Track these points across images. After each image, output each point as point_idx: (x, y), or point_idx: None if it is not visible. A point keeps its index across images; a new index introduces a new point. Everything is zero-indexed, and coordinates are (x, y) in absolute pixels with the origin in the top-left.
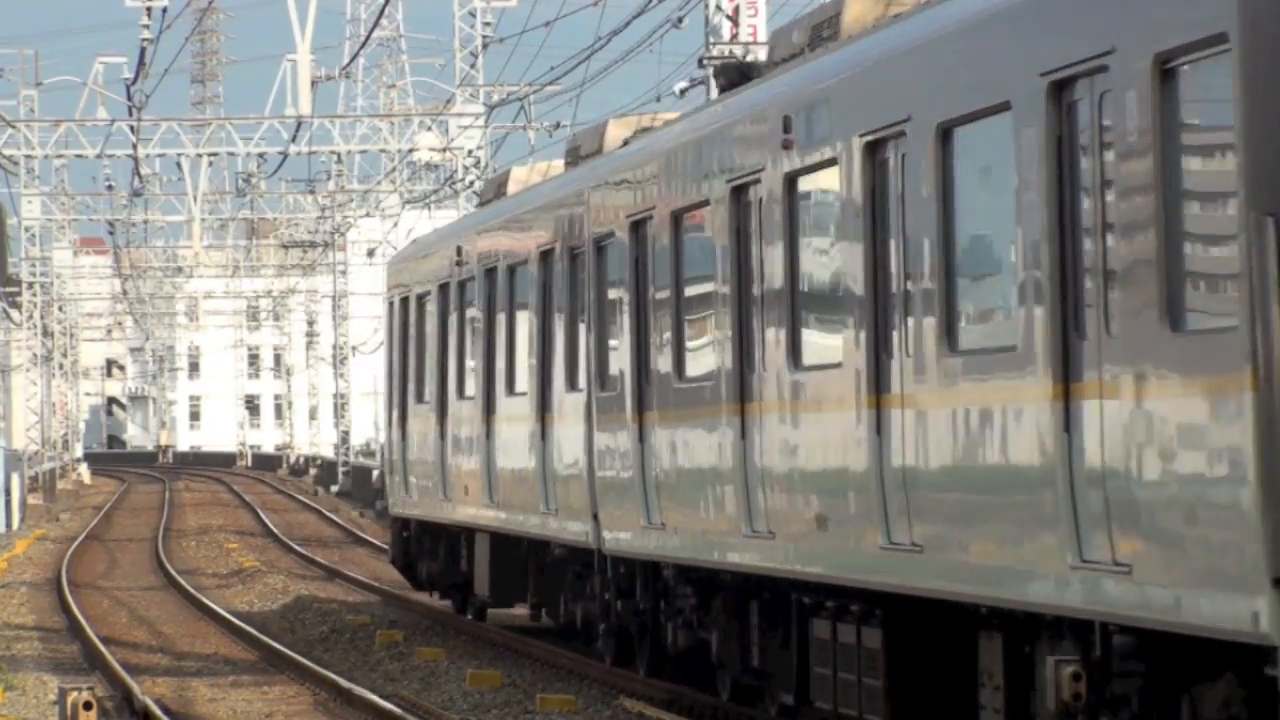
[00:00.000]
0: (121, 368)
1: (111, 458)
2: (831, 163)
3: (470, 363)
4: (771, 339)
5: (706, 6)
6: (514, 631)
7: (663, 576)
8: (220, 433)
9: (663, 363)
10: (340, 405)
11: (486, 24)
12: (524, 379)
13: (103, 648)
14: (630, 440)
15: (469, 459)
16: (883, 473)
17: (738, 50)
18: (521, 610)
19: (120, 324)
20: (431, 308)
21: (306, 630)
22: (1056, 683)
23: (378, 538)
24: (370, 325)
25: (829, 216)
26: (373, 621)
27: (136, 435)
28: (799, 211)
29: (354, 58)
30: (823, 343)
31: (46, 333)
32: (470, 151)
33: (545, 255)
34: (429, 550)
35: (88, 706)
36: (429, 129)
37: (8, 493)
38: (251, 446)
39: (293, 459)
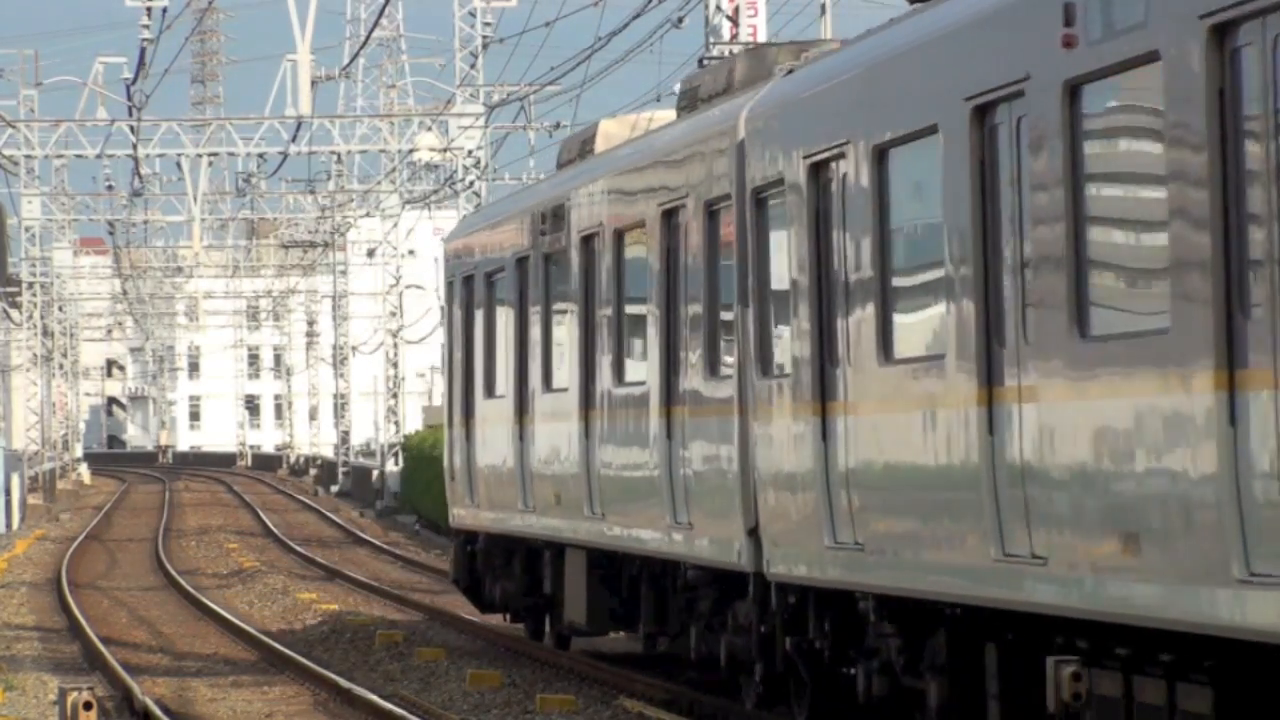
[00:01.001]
0: (121, 368)
1: (111, 458)
2: None
3: (561, 349)
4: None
5: (706, 6)
6: (608, 662)
7: (856, 609)
8: (220, 433)
9: (861, 338)
10: (340, 405)
11: (486, 24)
12: (640, 366)
13: (103, 648)
14: (809, 437)
15: (559, 462)
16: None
17: (738, 50)
18: (618, 638)
19: (120, 324)
20: (506, 286)
21: (306, 630)
22: (1056, 683)
23: (378, 537)
24: (370, 325)
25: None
26: (373, 622)
27: (136, 435)
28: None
29: (354, 58)
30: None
31: (46, 333)
32: (470, 151)
33: (670, 215)
34: (501, 568)
35: (88, 706)
36: (429, 129)
37: (8, 493)
38: (251, 446)
39: (293, 459)
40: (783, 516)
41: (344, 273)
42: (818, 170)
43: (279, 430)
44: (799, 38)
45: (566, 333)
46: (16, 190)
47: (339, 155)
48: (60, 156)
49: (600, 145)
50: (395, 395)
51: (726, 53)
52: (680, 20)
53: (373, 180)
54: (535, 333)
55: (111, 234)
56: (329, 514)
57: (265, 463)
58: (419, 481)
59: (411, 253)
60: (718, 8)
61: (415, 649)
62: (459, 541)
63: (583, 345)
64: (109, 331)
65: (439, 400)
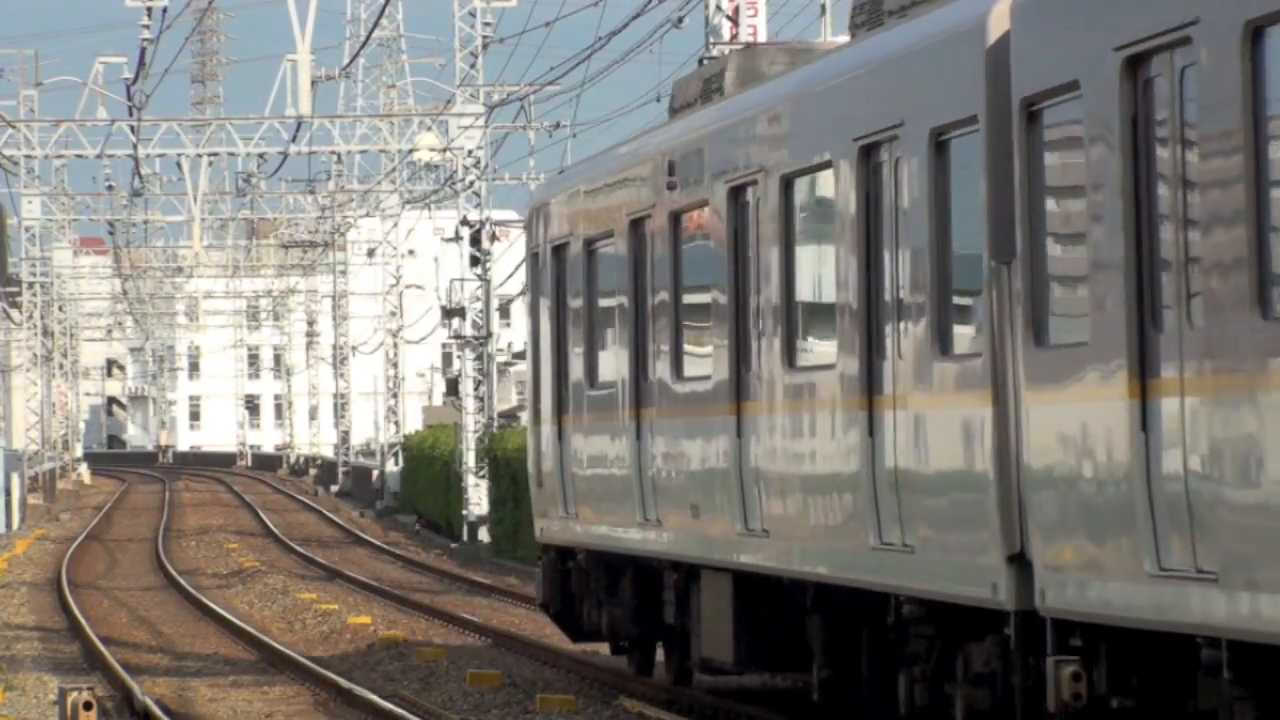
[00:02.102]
0: (121, 368)
1: (111, 458)
2: None
3: (699, 329)
4: None
5: (706, 6)
6: (750, 702)
7: (1192, 657)
8: (220, 433)
9: (1220, 292)
10: (340, 405)
11: (486, 24)
12: (826, 344)
13: (103, 648)
14: (1122, 426)
15: (698, 467)
16: None
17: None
18: (752, 679)
19: (120, 324)
20: (616, 254)
21: (306, 630)
22: (1057, 682)
23: (378, 537)
24: (370, 325)
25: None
26: (373, 622)
27: (136, 435)
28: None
29: (354, 58)
30: None
31: (46, 333)
32: (470, 151)
33: (871, 150)
34: (607, 591)
35: (88, 706)
36: (429, 129)
37: (8, 493)
38: (251, 446)
39: (293, 459)
40: (1069, 533)
41: (344, 273)
42: (1135, 66)
43: (279, 430)
44: (800, 38)
45: (711, 308)
46: (16, 190)
47: (339, 155)
48: (60, 156)
49: (733, 80)
50: (395, 395)
51: (726, 53)
52: (680, 20)
53: (373, 180)
54: (660, 310)
55: (111, 234)
56: (329, 514)
57: (265, 463)
58: (419, 481)
59: (411, 253)
60: (718, 8)
61: (415, 649)
62: (549, 559)
63: (734, 323)
64: (109, 331)
65: (439, 400)
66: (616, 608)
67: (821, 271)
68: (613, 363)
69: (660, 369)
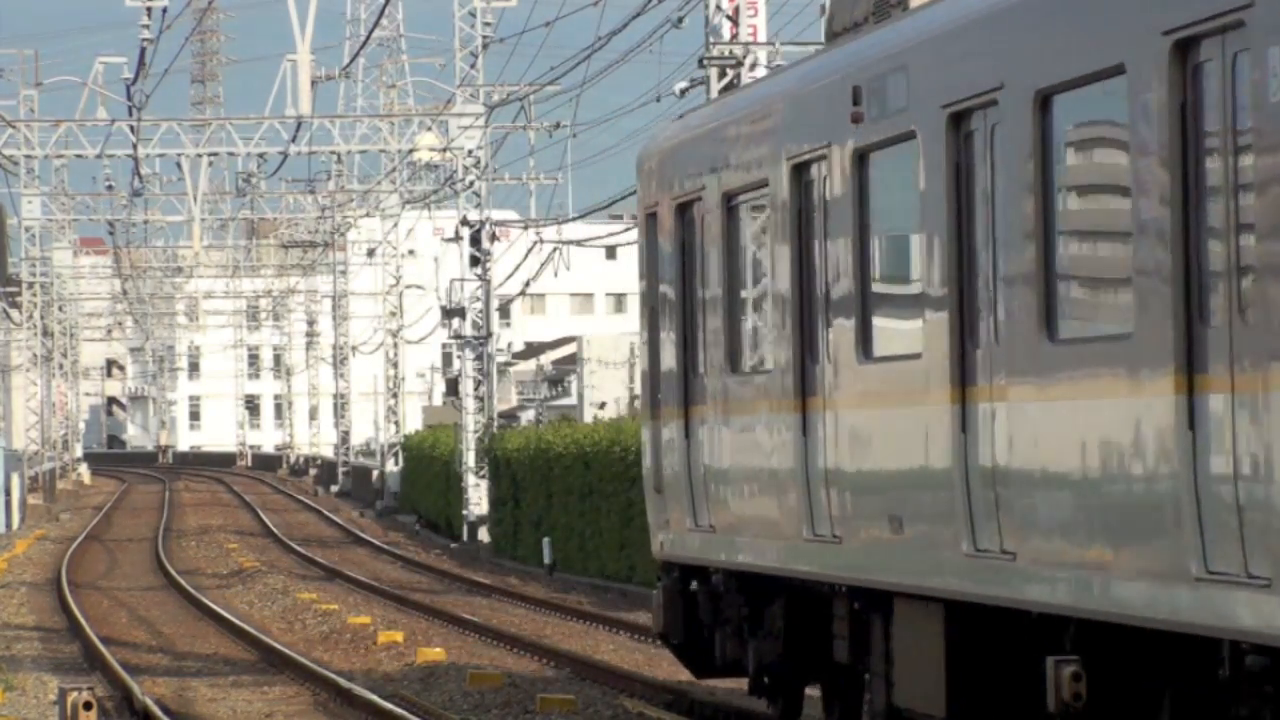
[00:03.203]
0: (121, 368)
1: (111, 458)
2: None
3: (895, 297)
4: None
5: (706, 6)
6: None
7: None
8: (220, 433)
9: None
10: (340, 405)
11: (486, 24)
12: (1107, 309)
13: (103, 648)
14: None
15: (894, 466)
16: None
17: (738, 50)
18: None
19: (120, 324)
20: (775, 207)
21: (306, 630)
22: (1056, 682)
23: (378, 537)
24: (370, 325)
25: None
26: (373, 622)
27: (136, 435)
28: None
29: (354, 58)
30: None
31: (46, 333)
32: (470, 151)
33: (1186, 46)
34: (750, 619)
35: (88, 706)
36: (429, 129)
37: (8, 493)
38: (251, 446)
39: (293, 459)
40: None
41: (344, 273)
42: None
43: (279, 430)
44: (799, 38)
45: (920, 268)
46: (16, 190)
47: (339, 155)
48: (60, 156)
49: None
50: (395, 395)
51: (726, 53)
52: (680, 20)
53: (373, 180)
54: (840, 273)
55: (111, 234)
56: (329, 514)
57: (265, 463)
58: (419, 481)
59: (411, 253)
60: (718, 8)
61: (415, 649)
62: (670, 581)
63: (957, 285)
64: (109, 331)
65: (439, 400)
66: (764, 640)
67: (1107, 215)
68: (767, 341)
69: (840, 347)
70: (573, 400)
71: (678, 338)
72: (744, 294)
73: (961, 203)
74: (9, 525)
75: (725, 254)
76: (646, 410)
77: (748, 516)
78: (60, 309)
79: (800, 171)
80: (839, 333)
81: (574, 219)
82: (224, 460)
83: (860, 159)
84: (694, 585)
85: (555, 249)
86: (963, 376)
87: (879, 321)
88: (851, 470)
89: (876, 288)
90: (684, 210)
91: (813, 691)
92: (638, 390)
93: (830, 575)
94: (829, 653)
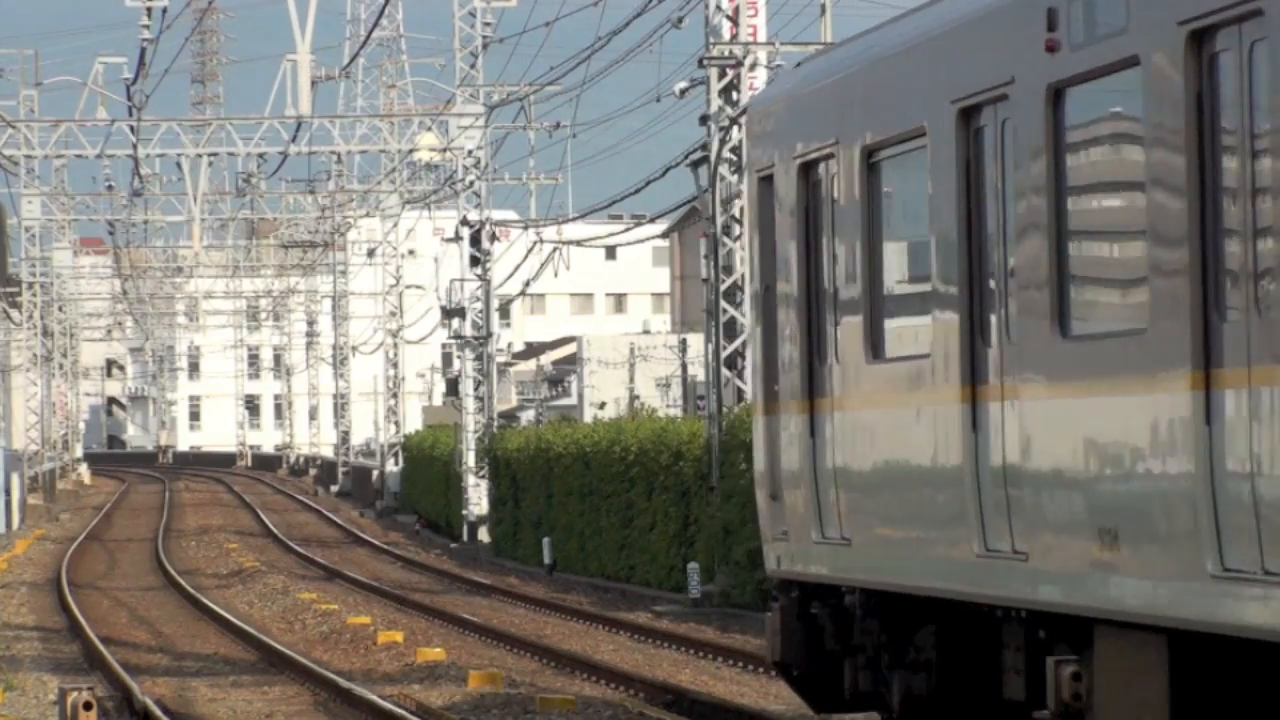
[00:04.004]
0: (121, 368)
1: (111, 458)
2: None
3: (1108, 258)
4: None
5: (706, 6)
6: None
7: None
8: (220, 433)
9: None
10: (340, 405)
11: (486, 24)
12: None
13: (103, 648)
14: None
15: (1103, 470)
16: None
17: (738, 50)
18: None
19: (120, 324)
20: (935, 162)
21: (306, 630)
22: (1056, 682)
23: (378, 537)
24: (370, 325)
25: None
26: (373, 622)
27: (136, 435)
28: None
29: (354, 58)
30: None
31: (46, 333)
32: (470, 151)
33: None
34: (891, 647)
35: (88, 706)
36: (429, 129)
37: (8, 493)
38: (251, 447)
39: (293, 459)
40: None
41: (344, 273)
42: None
43: (279, 430)
44: (800, 38)
45: (1149, 229)
46: (16, 190)
47: (339, 155)
48: (60, 156)
49: None
50: (395, 395)
51: (726, 53)
52: (680, 20)
53: (373, 180)
54: (1026, 238)
55: (111, 234)
56: (329, 514)
57: (265, 463)
58: (419, 481)
59: (411, 253)
60: (718, 8)
61: (415, 649)
62: (788, 602)
63: (1196, 245)
64: (109, 331)
65: (439, 400)
66: (911, 672)
67: None
68: (925, 321)
69: (1028, 325)
70: (573, 400)
71: (800, 319)
72: (890, 266)
73: (1205, 146)
74: (9, 525)
75: (865, 219)
76: (758, 404)
77: (894, 528)
78: (60, 309)
79: (970, 117)
80: (1027, 308)
81: (574, 219)
82: (224, 460)
83: (1056, 96)
84: (813, 607)
85: (555, 249)
86: (973, 375)
87: (1083, 294)
88: (1043, 473)
89: (1076, 251)
90: (809, 171)
91: None
92: (638, 390)
93: (1009, 598)
94: (997, 689)
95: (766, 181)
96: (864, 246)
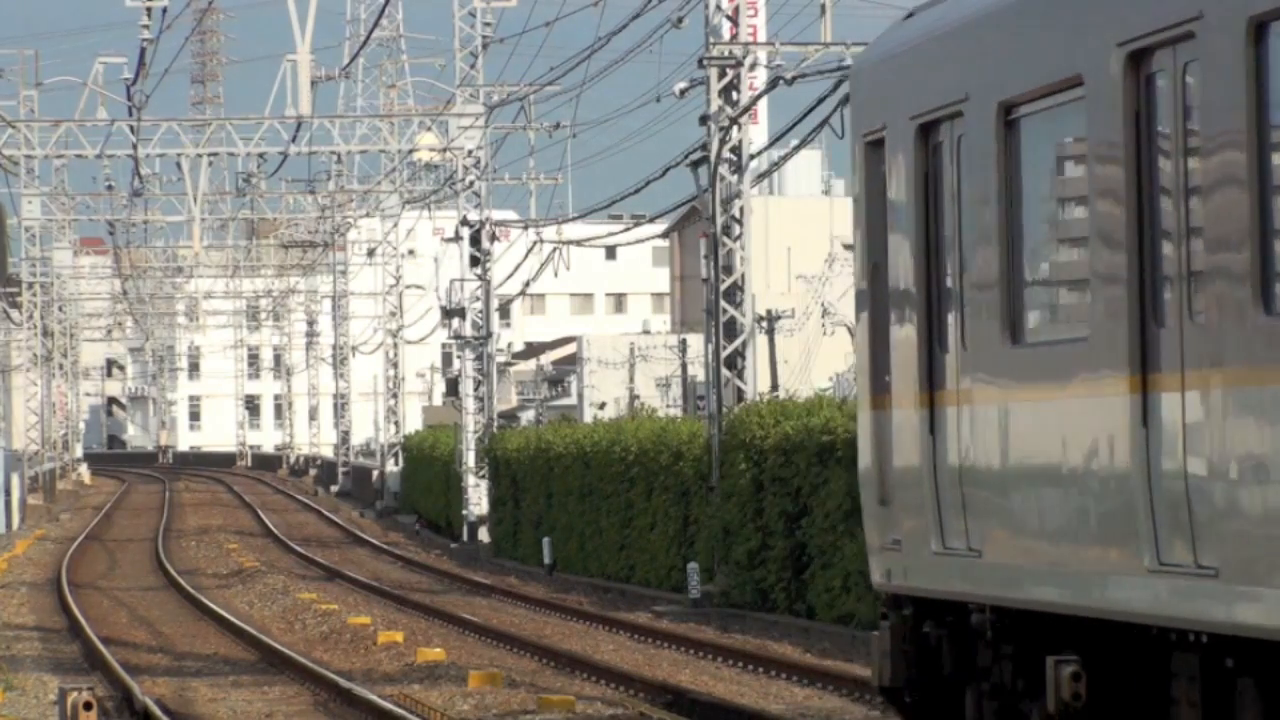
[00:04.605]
0: (121, 368)
1: (111, 458)
2: None
3: None
4: None
5: (706, 6)
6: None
7: None
8: (220, 433)
9: None
10: (340, 405)
11: (486, 24)
12: None
13: (103, 648)
14: None
15: None
16: None
17: (737, 50)
18: None
19: (120, 324)
20: (1095, 115)
21: (306, 630)
22: (1056, 682)
23: (378, 537)
24: (370, 325)
25: None
26: (373, 622)
27: (136, 435)
28: None
29: (354, 58)
30: None
31: (46, 333)
32: (470, 152)
33: None
34: (1024, 674)
35: (88, 706)
36: (429, 129)
37: (8, 493)
38: (251, 447)
39: (293, 459)
40: None
41: (344, 273)
42: None
43: (279, 430)
44: (799, 38)
45: None
46: (16, 190)
47: (339, 155)
48: (60, 156)
49: None
50: (395, 395)
51: (726, 53)
52: (680, 20)
53: (373, 180)
54: (1214, 198)
55: (111, 234)
56: (329, 514)
57: (265, 463)
58: (419, 481)
59: (411, 253)
60: (718, 8)
61: (415, 649)
62: (897, 620)
63: None
64: (109, 331)
65: (439, 400)
66: (1053, 705)
67: None
68: (1076, 301)
69: (1213, 299)
70: (573, 400)
71: (918, 301)
72: (1033, 237)
73: None
74: (9, 525)
75: (1001, 184)
76: (865, 397)
77: (1036, 538)
78: (60, 309)
79: (1139, 61)
80: (1217, 280)
81: (574, 219)
82: (224, 460)
83: (1259, 31)
84: (926, 626)
85: (555, 249)
86: (1144, 363)
87: None
88: (1239, 475)
89: None
90: (930, 132)
91: None
92: (638, 390)
93: (1190, 620)
94: None
95: (875, 147)
96: (1001, 216)
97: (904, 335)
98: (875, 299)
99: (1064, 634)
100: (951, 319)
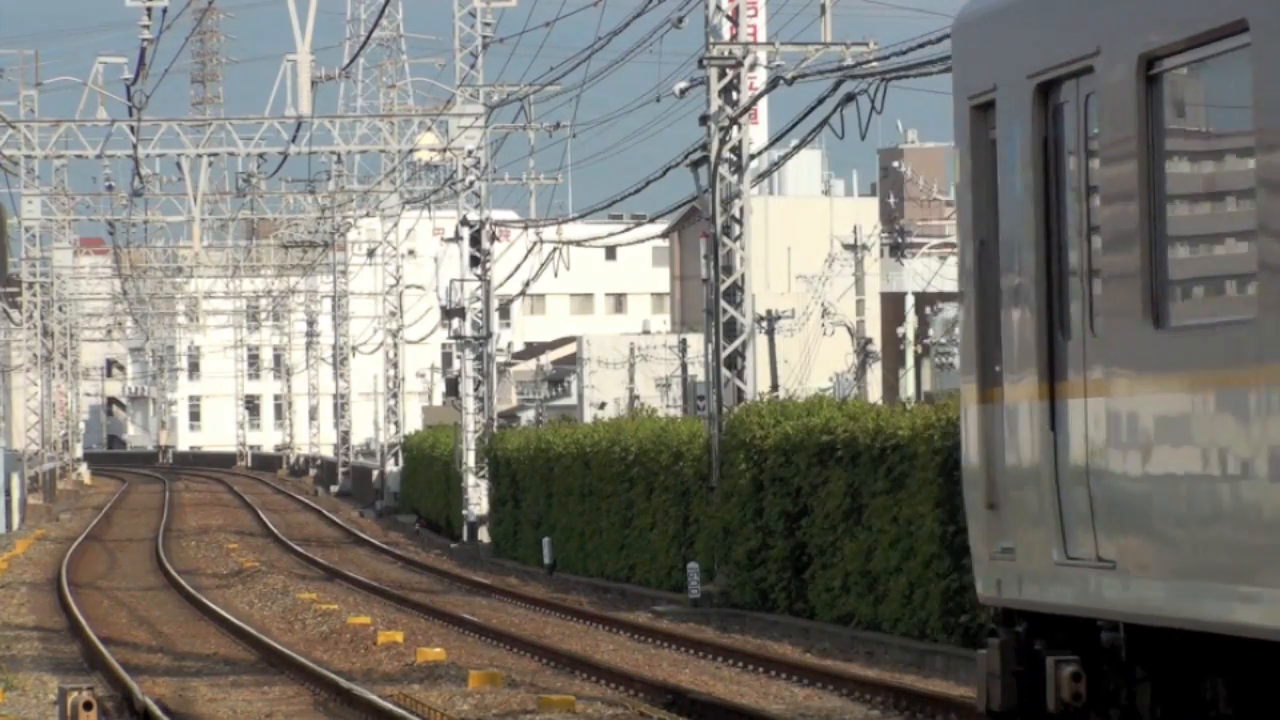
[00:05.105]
0: (121, 368)
1: (111, 458)
2: None
3: None
4: None
5: (706, 6)
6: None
7: None
8: (220, 433)
9: None
10: (340, 405)
11: (486, 24)
12: None
13: (103, 648)
14: None
15: None
16: None
17: (737, 50)
18: None
19: (120, 324)
20: (1263, 69)
21: (306, 630)
22: (1056, 682)
23: (378, 537)
24: (370, 325)
25: None
26: (373, 622)
27: (136, 435)
28: None
29: (354, 58)
30: None
31: (46, 333)
32: (470, 152)
33: None
34: (1167, 702)
35: (88, 706)
36: (429, 129)
37: (8, 493)
38: (251, 447)
39: (293, 459)
40: None
41: (344, 273)
42: None
43: (279, 430)
44: (800, 38)
45: None
46: (16, 190)
47: (339, 155)
48: (60, 156)
49: None
50: (395, 395)
51: (726, 53)
52: (680, 20)
53: (373, 180)
54: None
55: (111, 234)
56: (329, 514)
57: (265, 463)
58: (419, 481)
59: (411, 253)
60: (718, 8)
61: (415, 649)
62: (1008, 639)
63: None
64: (109, 331)
65: (439, 400)
66: None
67: None
68: (1242, 276)
69: None
70: (573, 400)
71: (1038, 280)
72: (1181, 207)
73: None
74: (9, 525)
75: (1143, 149)
76: (971, 388)
77: (1186, 548)
78: (60, 309)
79: None
80: None
81: (574, 219)
82: (224, 460)
83: None
84: (1035, 644)
85: (555, 249)
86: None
87: None
88: None
89: None
90: (1051, 91)
91: None
92: (638, 390)
93: None
94: None
95: (983, 110)
96: (1142, 183)
97: (1019, 319)
98: (982, 280)
99: (1215, 656)
100: (1078, 301)
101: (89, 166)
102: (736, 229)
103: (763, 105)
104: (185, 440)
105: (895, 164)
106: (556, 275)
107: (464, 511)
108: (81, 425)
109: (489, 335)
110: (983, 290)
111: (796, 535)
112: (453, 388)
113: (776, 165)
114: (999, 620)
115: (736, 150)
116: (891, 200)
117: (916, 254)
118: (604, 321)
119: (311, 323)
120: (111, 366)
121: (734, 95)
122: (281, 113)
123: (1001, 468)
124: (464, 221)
